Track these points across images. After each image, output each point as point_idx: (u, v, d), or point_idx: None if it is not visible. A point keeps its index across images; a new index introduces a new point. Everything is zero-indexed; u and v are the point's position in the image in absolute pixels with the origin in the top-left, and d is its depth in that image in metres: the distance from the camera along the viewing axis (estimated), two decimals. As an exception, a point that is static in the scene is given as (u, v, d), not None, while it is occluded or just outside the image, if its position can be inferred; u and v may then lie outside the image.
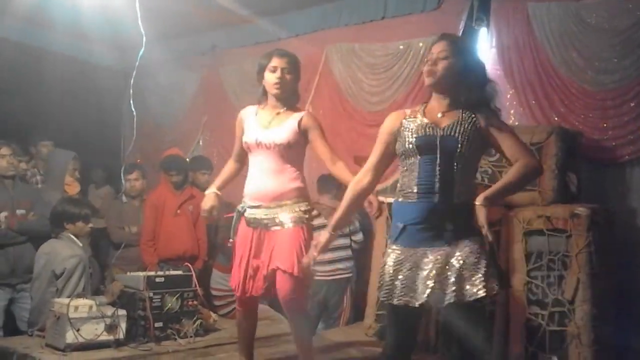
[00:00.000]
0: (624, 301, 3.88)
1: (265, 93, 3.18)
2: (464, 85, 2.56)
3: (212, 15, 5.89)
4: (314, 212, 3.21)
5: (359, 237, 4.77)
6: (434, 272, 2.47)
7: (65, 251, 4.14)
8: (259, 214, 3.11)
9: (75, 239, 4.28)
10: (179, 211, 4.96)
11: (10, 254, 4.39)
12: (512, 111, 4.42)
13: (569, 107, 4.20)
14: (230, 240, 3.25)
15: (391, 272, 2.54)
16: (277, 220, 3.07)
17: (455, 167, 2.49)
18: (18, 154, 4.79)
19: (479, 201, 2.47)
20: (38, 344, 3.65)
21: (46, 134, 6.00)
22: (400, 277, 2.52)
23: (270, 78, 3.10)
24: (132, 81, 4.66)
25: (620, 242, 3.88)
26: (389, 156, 2.72)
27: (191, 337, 3.85)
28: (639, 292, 3.93)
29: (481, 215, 2.44)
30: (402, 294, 2.51)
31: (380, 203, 2.97)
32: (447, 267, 2.47)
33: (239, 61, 6.31)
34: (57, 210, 4.31)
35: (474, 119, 2.54)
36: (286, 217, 3.07)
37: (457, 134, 2.50)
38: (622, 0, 4.00)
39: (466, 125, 2.52)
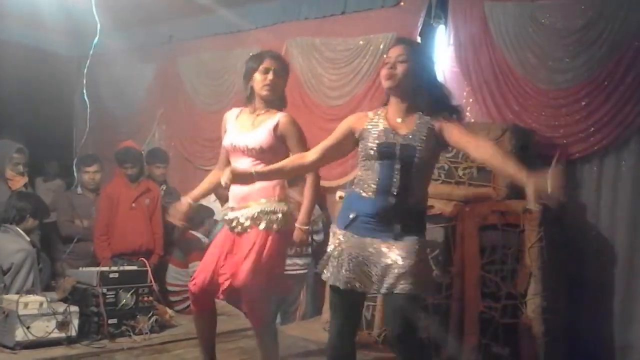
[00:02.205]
0: (574, 294, 4.01)
1: (252, 95, 3.10)
2: (422, 89, 2.62)
3: (170, 4, 5.79)
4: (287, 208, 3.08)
5: (319, 237, 4.79)
6: (374, 260, 2.55)
7: (11, 245, 4.03)
8: (229, 215, 3.04)
9: (22, 232, 4.17)
10: (134, 205, 4.87)
11: (-45, 248, 4.24)
12: (468, 108, 4.49)
13: (523, 105, 4.29)
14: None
15: (335, 255, 2.61)
16: (238, 222, 2.99)
17: (412, 173, 2.57)
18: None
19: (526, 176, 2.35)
20: (-14, 343, 3.54)
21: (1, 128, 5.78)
22: (345, 262, 2.58)
23: (262, 80, 3.03)
24: (85, 70, 4.54)
25: (571, 236, 4.01)
26: (341, 149, 2.74)
27: (146, 333, 3.80)
28: (588, 285, 4.06)
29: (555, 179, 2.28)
30: (349, 278, 2.57)
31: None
32: (386, 258, 2.54)
33: (196, 52, 6.23)
34: (5, 206, 4.19)
35: (430, 123, 2.60)
36: (246, 218, 2.97)
37: (415, 142, 2.57)
38: (575, 1, 4.10)
39: (424, 132, 2.59)
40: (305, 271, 4.75)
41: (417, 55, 2.66)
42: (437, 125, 2.59)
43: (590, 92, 4.04)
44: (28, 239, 4.22)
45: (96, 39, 4.18)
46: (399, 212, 2.55)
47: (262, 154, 2.97)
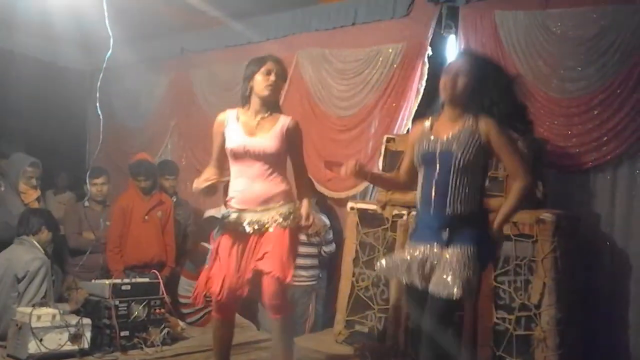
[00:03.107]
0: (589, 305, 3.96)
1: (248, 97, 3.16)
2: (477, 98, 2.71)
3: (182, 17, 5.84)
4: (300, 212, 3.20)
5: (330, 248, 4.79)
6: (425, 265, 2.71)
7: (27, 255, 4.07)
8: (244, 217, 3.08)
9: (37, 244, 4.20)
10: (147, 217, 4.88)
11: (-30, 261, 4.27)
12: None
13: (535, 114, 4.21)
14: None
15: (403, 258, 2.80)
16: (262, 224, 3.07)
17: (451, 179, 2.66)
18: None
19: (495, 230, 2.75)
20: (-1, 355, 3.57)
21: (13, 141, 5.84)
22: (406, 265, 2.78)
23: (264, 80, 3.10)
24: (99, 83, 4.58)
25: (585, 247, 3.96)
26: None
27: (158, 345, 3.81)
28: (603, 296, 4.00)
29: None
30: (411, 278, 2.77)
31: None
32: (435, 262, 2.68)
33: (208, 64, 6.26)
34: (20, 219, 4.23)
35: (476, 128, 2.68)
36: (271, 220, 3.07)
37: (453, 148, 2.66)
38: (587, 10, 4.08)
39: (466, 138, 2.66)
40: (312, 283, 4.74)
41: (477, 67, 2.73)
42: (483, 128, 2.67)
43: (603, 101, 4.00)
44: (42, 250, 4.25)
45: (109, 52, 4.22)
46: (442, 221, 2.66)
47: (276, 157, 3.09)
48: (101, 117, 4.44)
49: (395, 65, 4.89)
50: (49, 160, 5.49)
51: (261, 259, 3.04)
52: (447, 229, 2.66)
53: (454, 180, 2.65)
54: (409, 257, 2.77)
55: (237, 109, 3.21)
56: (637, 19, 3.89)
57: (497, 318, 3.64)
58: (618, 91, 3.94)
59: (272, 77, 3.10)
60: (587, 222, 4.01)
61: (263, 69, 3.12)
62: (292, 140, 3.13)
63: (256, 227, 3.07)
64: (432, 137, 2.75)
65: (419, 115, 3.17)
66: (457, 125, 2.71)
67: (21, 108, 6.12)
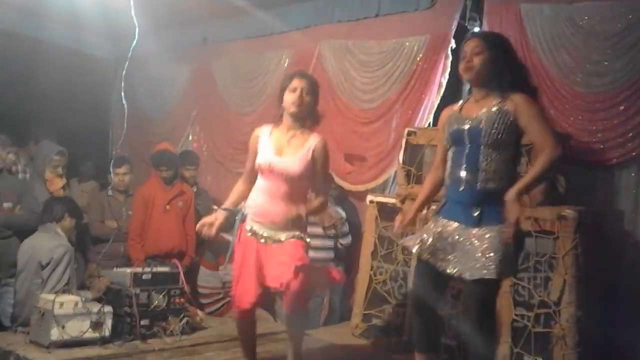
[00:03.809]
0: (610, 303, 3.90)
1: (281, 113, 3.21)
2: (499, 74, 2.70)
3: (205, 7, 5.85)
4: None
5: (347, 240, 4.77)
6: (455, 244, 2.70)
7: (51, 242, 4.12)
8: (261, 229, 3.15)
9: (60, 231, 4.26)
10: (168, 207, 4.91)
11: (-5, 247, 4.36)
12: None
13: (559, 109, 4.20)
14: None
15: (428, 234, 2.81)
16: (281, 237, 3.12)
17: (480, 156, 2.67)
18: (5, 146, 4.73)
19: (510, 196, 2.59)
20: (22, 341, 3.62)
21: (40, 128, 5.92)
22: (431, 240, 2.78)
23: (290, 97, 3.15)
24: (124, 72, 4.62)
25: (607, 244, 3.90)
26: None
27: (177, 335, 3.84)
28: (625, 294, 3.95)
29: (513, 210, 2.57)
30: (430, 255, 2.77)
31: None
32: (467, 243, 2.67)
33: (230, 54, 6.27)
34: (44, 207, 4.30)
35: (504, 106, 2.67)
36: (287, 236, 3.12)
37: (482, 124, 2.67)
38: (614, 4, 3.99)
39: (494, 114, 2.67)
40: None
41: (491, 44, 2.75)
42: (512, 105, 2.66)
43: (629, 97, 3.92)
44: (66, 237, 4.31)
45: (134, 42, 4.24)
46: (473, 198, 2.67)
47: (299, 180, 3.13)
48: (125, 106, 4.47)
49: (418, 58, 4.85)
50: (73, 148, 5.54)
51: (283, 261, 3.06)
52: (479, 206, 2.66)
53: (484, 156, 2.66)
54: (434, 232, 2.77)
55: (272, 125, 3.27)
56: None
57: (516, 315, 3.61)
58: (645, 87, 3.87)
59: (298, 93, 3.13)
60: (610, 219, 3.95)
61: (290, 86, 3.16)
62: (317, 159, 3.15)
63: (274, 240, 3.13)
64: (461, 117, 2.79)
65: (442, 109, 3.12)
66: (485, 104, 2.73)
67: (48, 95, 6.20)
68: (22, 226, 4.43)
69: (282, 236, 3.12)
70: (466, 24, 4.68)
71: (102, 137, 7.11)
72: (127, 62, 4.43)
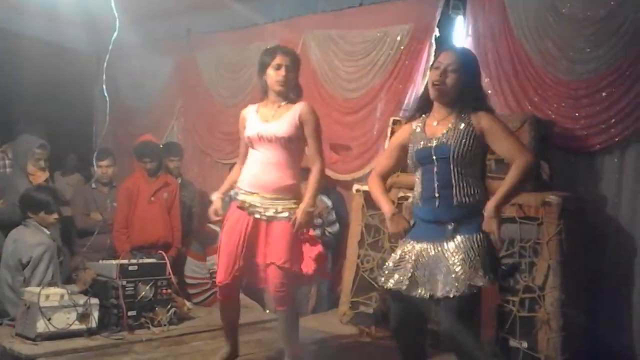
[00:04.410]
0: (594, 288, 3.96)
1: (266, 89, 3.20)
2: (465, 94, 2.67)
3: (187, -2, 5.81)
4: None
5: (334, 228, 4.79)
6: (427, 265, 2.61)
7: (31, 239, 4.07)
8: (254, 200, 3.11)
9: (41, 227, 4.20)
10: (153, 198, 4.89)
11: (-21, 241, 4.31)
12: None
13: (543, 96, 4.23)
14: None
15: (396, 259, 2.71)
16: (272, 212, 3.09)
17: (452, 172, 2.63)
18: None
19: (489, 212, 2.57)
20: (8, 334, 3.59)
21: (24, 122, 5.84)
22: (401, 265, 2.67)
23: (275, 76, 3.13)
24: (105, 65, 4.57)
25: (591, 229, 3.96)
26: (397, 165, 2.96)
27: (165, 325, 3.83)
28: (608, 278, 4.01)
29: (492, 226, 2.57)
30: (399, 280, 2.65)
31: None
32: (442, 260, 2.59)
33: (214, 46, 6.23)
34: (22, 198, 4.24)
35: (468, 121, 2.65)
36: (280, 210, 3.09)
37: (449, 141, 2.63)
38: (596, -9, 4.03)
39: (460, 130, 2.64)
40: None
41: (467, 66, 2.69)
42: (476, 122, 2.64)
43: (611, 83, 3.97)
44: (48, 232, 4.26)
45: (115, 34, 4.20)
46: (447, 214, 2.62)
47: (289, 142, 3.10)
48: (107, 98, 4.43)
49: (402, 47, 4.86)
50: (57, 142, 5.47)
51: (267, 248, 3.06)
52: (453, 222, 2.61)
53: (455, 172, 2.63)
54: (404, 256, 2.68)
55: (258, 103, 3.26)
56: (647, -1, 3.85)
57: (502, 300, 3.64)
58: (627, 73, 3.92)
59: (282, 72, 3.11)
60: (594, 204, 4.00)
61: (273, 64, 3.13)
62: (304, 122, 3.11)
63: (264, 216, 3.09)
64: (425, 136, 2.71)
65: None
66: (448, 121, 2.68)
67: (28, 90, 6.12)
68: (5, 220, 4.37)
69: (277, 207, 3.08)
70: (450, 12, 4.70)
71: (86, 130, 7.05)
72: (108, 55, 4.37)
